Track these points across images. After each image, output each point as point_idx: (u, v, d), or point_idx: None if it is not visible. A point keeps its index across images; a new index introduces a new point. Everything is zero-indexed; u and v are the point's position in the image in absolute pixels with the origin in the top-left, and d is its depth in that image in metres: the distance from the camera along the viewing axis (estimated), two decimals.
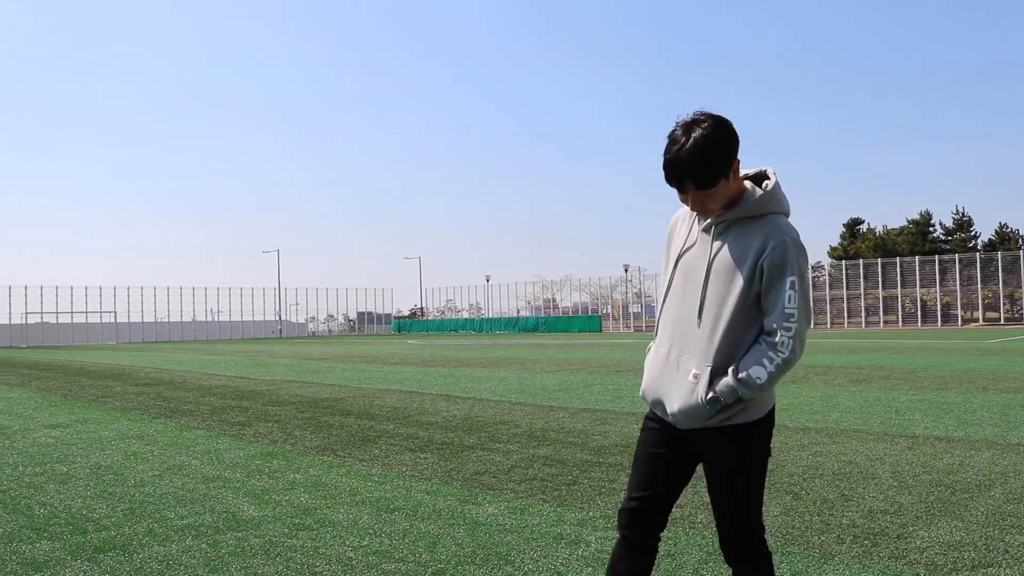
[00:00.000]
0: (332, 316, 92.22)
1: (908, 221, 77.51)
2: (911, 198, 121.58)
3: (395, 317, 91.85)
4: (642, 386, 2.90)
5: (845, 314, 63.14)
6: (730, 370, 2.62)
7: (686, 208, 2.81)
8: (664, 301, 2.85)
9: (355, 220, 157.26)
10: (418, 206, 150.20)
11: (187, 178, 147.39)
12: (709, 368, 2.63)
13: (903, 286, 61.24)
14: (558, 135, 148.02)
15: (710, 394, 2.61)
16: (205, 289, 79.74)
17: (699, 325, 2.68)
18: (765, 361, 2.58)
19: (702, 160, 2.52)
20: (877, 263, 63.08)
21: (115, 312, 73.80)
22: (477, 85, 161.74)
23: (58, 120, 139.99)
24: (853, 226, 79.83)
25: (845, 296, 63.56)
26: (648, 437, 2.86)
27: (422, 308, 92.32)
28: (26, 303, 69.98)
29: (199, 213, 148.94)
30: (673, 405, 2.71)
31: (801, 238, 2.65)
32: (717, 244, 2.68)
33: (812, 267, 66.32)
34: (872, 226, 79.38)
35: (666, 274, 2.86)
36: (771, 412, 2.77)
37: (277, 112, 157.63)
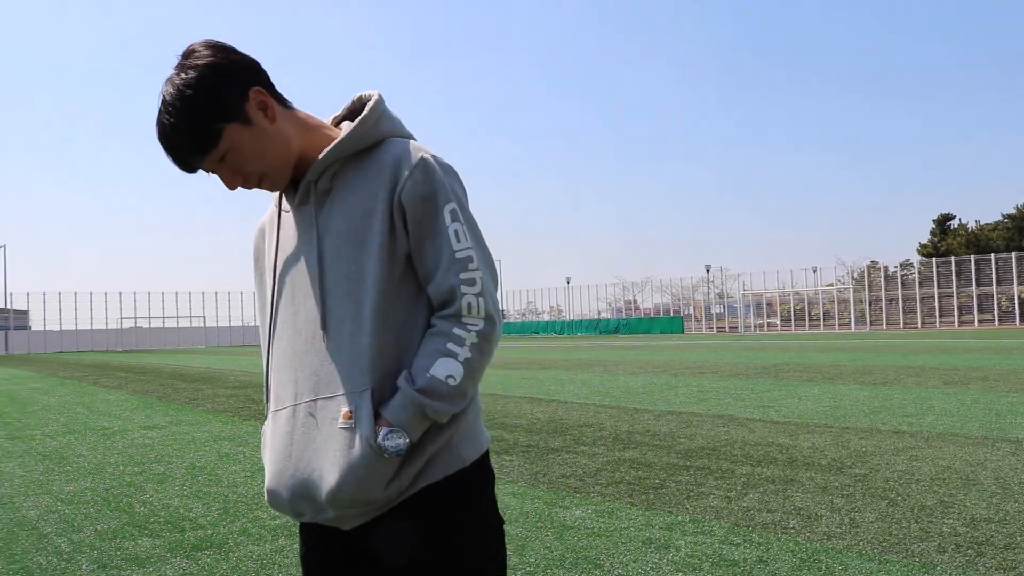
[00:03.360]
0: None
1: (1003, 216, 74.87)
2: (1005, 192, 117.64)
3: None
4: (266, 485, 1.85)
5: (936, 313, 61.28)
6: (399, 380, 1.69)
7: (269, 214, 2.01)
8: (269, 344, 1.90)
9: None
10: (499, 208, 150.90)
11: None
12: (368, 391, 1.69)
13: (999, 283, 59.11)
14: (639, 135, 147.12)
15: (382, 430, 1.66)
16: None
17: (328, 339, 1.76)
18: (451, 347, 1.70)
19: (176, 109, 1.71)
20: (970, 260, 61.02)
21: (204, 317, 75.85)
22: (555, 85, 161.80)
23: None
24: (943, 222, 77.41)
25: (936, 295, 61.65)
26: (309, 568, 1.90)
27: (503, 311, 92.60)
28: (121, 309, 72.49)
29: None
30: (329, 479, 1.69)
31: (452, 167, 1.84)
32: (322, 214, 1.81)
33: (900, 265, 64.59)
34: (964, 222, 76.94)
35: (265, 308, 1.95)
36: (485, 451, 1.83)
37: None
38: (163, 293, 74.70)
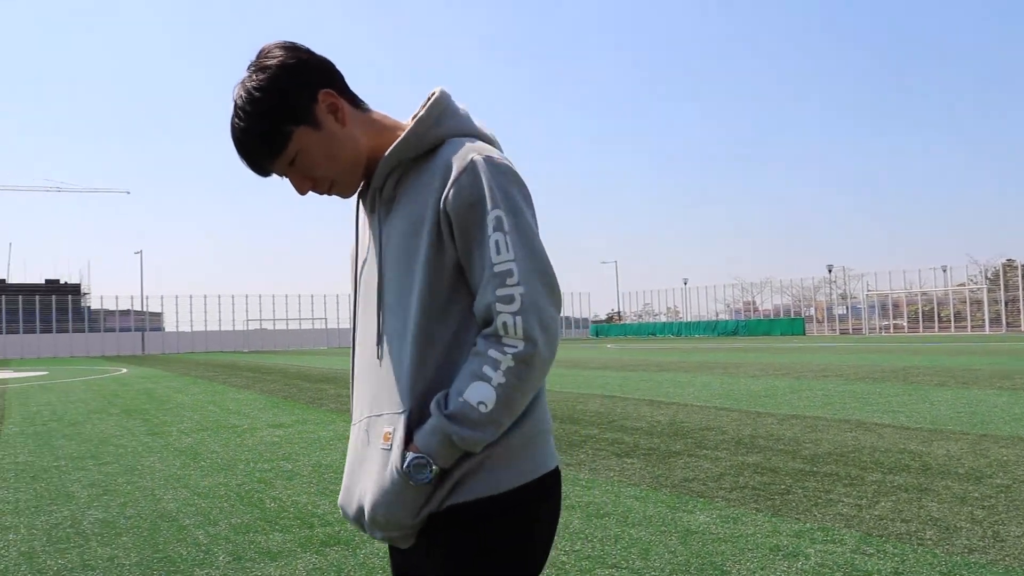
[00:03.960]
0: None
1: None
2: None
3: (592, 321, 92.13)
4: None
5: None
6: (432, 403, 1.58)
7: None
8: (353, 355, 1.86)
9: (550, 225, 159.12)
10: (615, 210, 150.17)
11: None
12: (405, 414, 1.61)
13: None
14: (757, 133, 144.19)
15: (408, 455, 1.56)
16: None
17: (381, 355, 1.70)
18: (487, 370, 1.54)
19: (246, 113, 1.68)
20: None
21: (325, 319, 77.94)
22: (668, 82, 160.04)
23: None
24: None
25: None
26: None
27: (619, 312, 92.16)
28: (247, 311, 75.22)
29: None
30: (367, 500, 1.65)
31: (503, 157, 1.69)
32: (387, 223, 1.74)
33: None
34: None
35: (352, 313, 1.90)
36: (542, 475, 1.64)
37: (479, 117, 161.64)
38: (287, 296, 77.16)
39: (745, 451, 7.90)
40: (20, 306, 69.12)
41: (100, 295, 72.24)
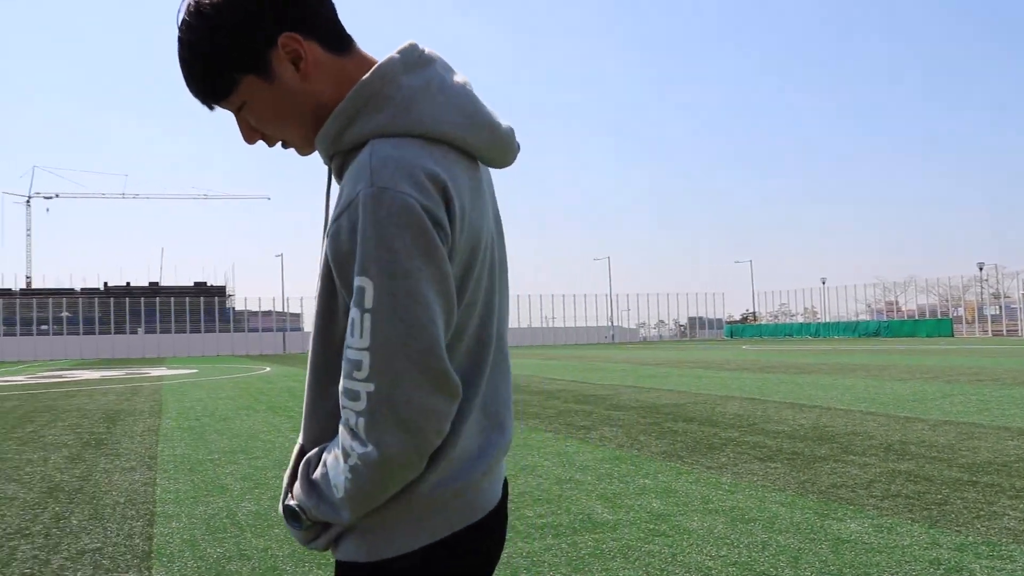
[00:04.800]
0: (663, 321, 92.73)
1: None
2: None
3: (727, 322, 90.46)
4: None
5: None
6: (304, 459, 1.40)
7: None
8: None
9: (684, 225, 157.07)
10: (749, 208, 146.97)
11: (521, 189, 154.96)
12: (299, 446, 1.45)
13: None
14: (895, 125, 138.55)
15: (288, 498, 1.42)
16: (540, 297, 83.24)
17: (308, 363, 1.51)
18: (339, 454, 1.31)
19: (190, 47, 1.38)
20: None
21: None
22: (801, 81, 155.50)
23: None
24: None
25: None
26: None
27: (754, 313, 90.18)
28: None
29: (536, 222, 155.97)
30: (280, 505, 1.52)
31: (419, 178, 1.27)
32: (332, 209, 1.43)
33: None
34: None
35: None
36: (427, 545, 1.37)
37: (603, 118, 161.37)
38: None
39: (896, 458, 7.58)
40: (172, 307, 72.88)
41: (244, 296, 75.52)
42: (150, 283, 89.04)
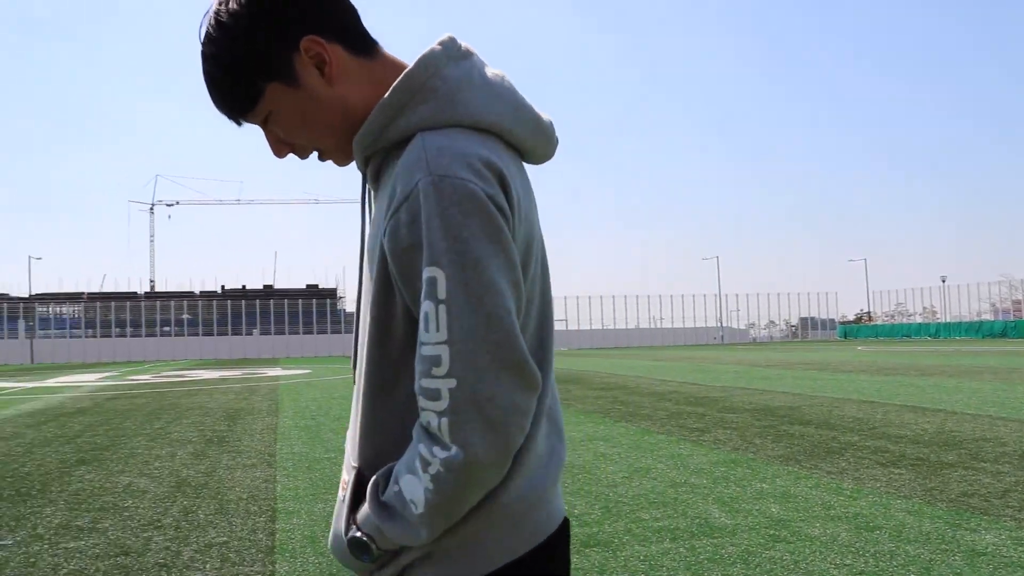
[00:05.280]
0: (773, 322, 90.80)
1: None
2: None
3: (840, 322, 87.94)
4: None
5: None
6: (371, 481, 1.28)
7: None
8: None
9: (795, 223, 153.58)
10: (862, 205, 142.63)
11: (630, 187, 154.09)
12: (355, 471, 1.34)
13: None
14: (1019, 115, 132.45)
15: (352, 529, 1.30)
16: (648, 297, 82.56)
17: (356, 386, 1.41)
18: (418, 465, 1.21)
19: (214, 58, 1.34)
20: None
21: (565, 320, 79.03)
22: (914, 76, 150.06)
23: None
24: None
25: None
26: None
27: (869, 313, 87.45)
28: None
29: (643, 221, 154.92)
30: (331, 540, 1.38)
31: (476, 166, 1.22)
32: (374, 207, 1.39)
33: None
34: None
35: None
36: (507, 564, 1.30)
37: (711, 114, 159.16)
38: None
39: None
40: (285, 309, 74.97)
41: (354, 298, 76.85)
42: (264, 286, 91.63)
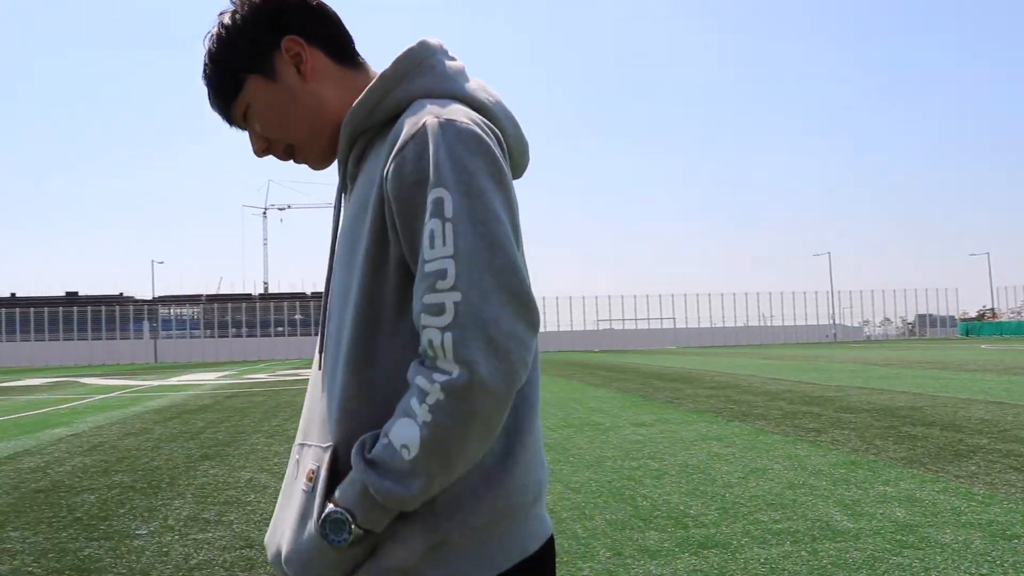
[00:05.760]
0: (888, 319, 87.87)
1: None
2: None
3: (960, 319, 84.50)
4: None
5: None
6: (356, 444, 1.22)
7: None
8: None
9: (909, 218, 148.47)
10: (983, 199, 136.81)
11: (738, 185, 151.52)
12: (330, 450, 1.28)
13: None
14: None
15: (327, 507, 1.22)
16: (757, 295, 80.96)
17: (321, 371, 1.38)
18: (413, 403, 1.16)
19: (209, 51, 1.44)
20: None
21: (674, 318, 78.17)
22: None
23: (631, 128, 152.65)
24: None
25: None
26: None
27: (993, 309, 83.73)
28: (597, 311, 77.42)
29: (750, 219, 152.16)
30: (284, 550, 1.31)
31: (477, 119, 1.29)
32: (347, 204, 1.43)
33: None
34: None
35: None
36: (517, 563, 1.26)
37: (821, 113, 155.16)
38: (635, 296, 78.41)
39: None
40: None
41: None
42: None
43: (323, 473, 1.26)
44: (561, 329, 75.89)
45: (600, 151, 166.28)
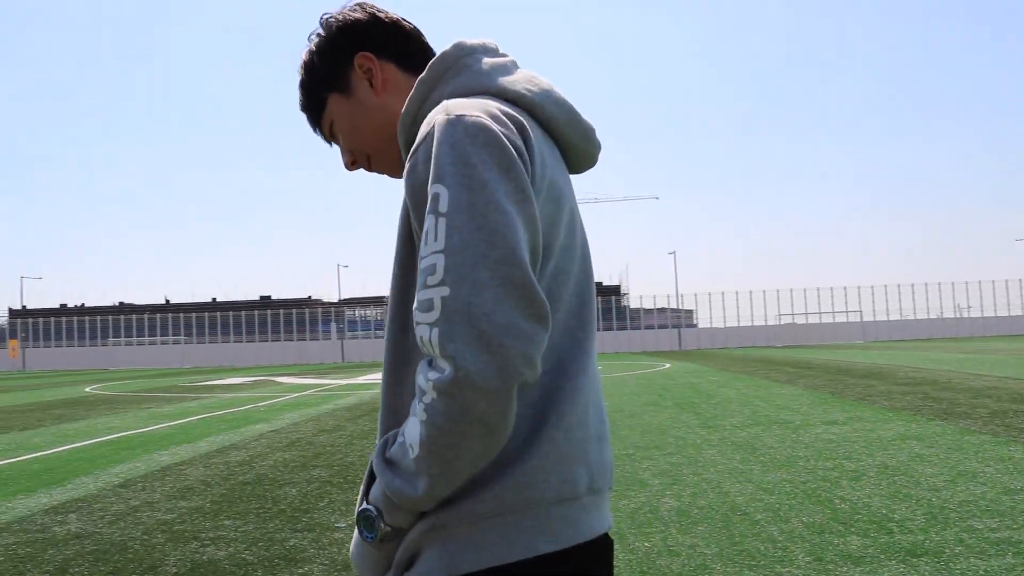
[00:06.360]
0: None
1: None
2: None
3: None
4: None
5: None
6: (380, 441, 1.28)
7: None
8: None
9: None
10: None
11: (929, 168, 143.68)
12: (381, 443, 1.29)
13: None
14: None
15: (363, 503, 1.28)
16: (952, 284, 76.37)
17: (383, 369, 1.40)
18: (415, 403, 1.17)
19: (300, 76, 1.55)
20: None
21: (860, 311, 74.79)
22: None
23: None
24: None
25: None
26: None
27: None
28: (779, 305, 75.03)
29: (940, 204, 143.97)
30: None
31: (494, 112, 1.24)
32: None
33: None
34: None
35: None
36: (520, 561, 1.21)
37: (1017, 88, 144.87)
38: (818, 289, 75.53)
39: None
40: None
41: (638, 295, 77.28)
42: None
43: (368, 470, 1.31)
44: (742, 324, 74.10)
45: (772, 139, 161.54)
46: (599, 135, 1.50)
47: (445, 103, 1.28)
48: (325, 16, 1.53)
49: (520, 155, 1.22)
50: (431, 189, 1.17)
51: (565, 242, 1.32)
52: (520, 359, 1.11)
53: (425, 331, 1.13)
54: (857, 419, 11.16)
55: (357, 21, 1.50)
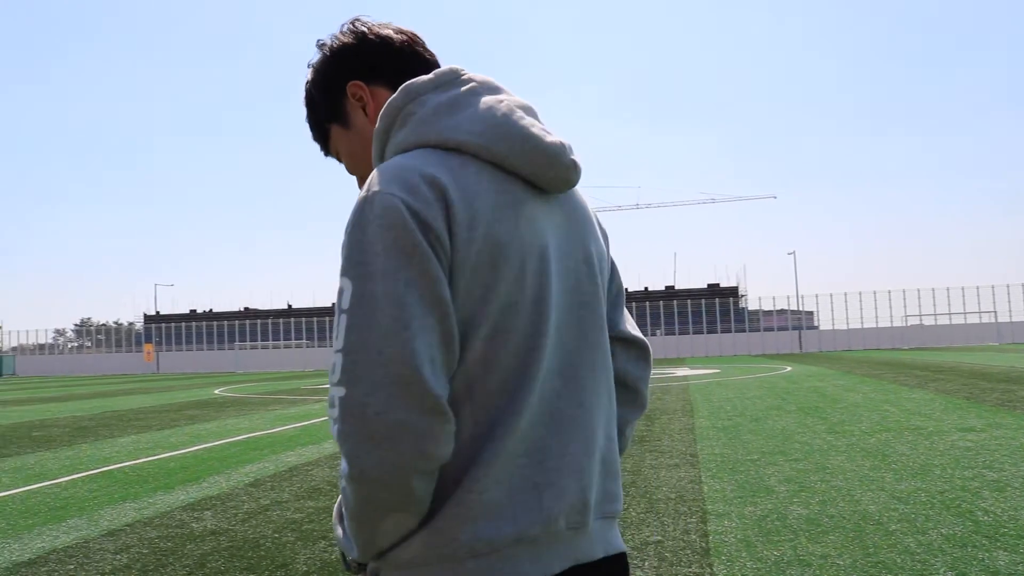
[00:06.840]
0: None
1: None
2: None
3: None
4: None
5: None
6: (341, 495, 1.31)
7: None
8: None
9: None
10: None
11: (998, 166, 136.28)
12: (342, 487, 1.36)
13: None
14: None
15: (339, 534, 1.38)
16: None
17: None
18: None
19: (306, 110, 1.57)
20: None
21: (995, 311, 71.39)
22: None
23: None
24: None
25: None
26: None
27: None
28: (905, 306, 72.28)
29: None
30: None
31: (412, 180, 1.22)
32: None
33: None
34: None
35: None
36: None
37: None
38: (948, 289, 72.48)
39: None
40: (688, 309, 75.54)
41: (757, 296, 75.68)
42: (666, 287, 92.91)
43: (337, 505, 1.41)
44: (866, 326, 71.70)
45: (892, 134, 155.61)
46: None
47: (376, 170, 1.27)
48: (319, 42, 1.53)
49: (430, 230, 1.20)
50: (339, 281, 1.22)
51: (508, 300, 1.26)
52: (413, 455, 1.15)
53: (331, 427, 1.19)
54: (997, 426, 10.64)
55: (345, 47, 1.50)
